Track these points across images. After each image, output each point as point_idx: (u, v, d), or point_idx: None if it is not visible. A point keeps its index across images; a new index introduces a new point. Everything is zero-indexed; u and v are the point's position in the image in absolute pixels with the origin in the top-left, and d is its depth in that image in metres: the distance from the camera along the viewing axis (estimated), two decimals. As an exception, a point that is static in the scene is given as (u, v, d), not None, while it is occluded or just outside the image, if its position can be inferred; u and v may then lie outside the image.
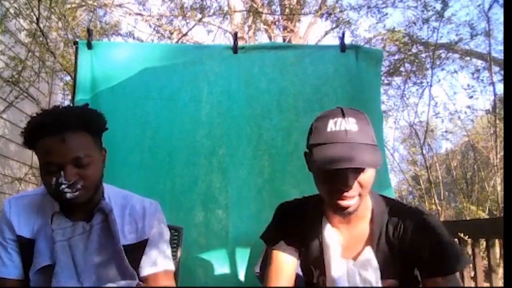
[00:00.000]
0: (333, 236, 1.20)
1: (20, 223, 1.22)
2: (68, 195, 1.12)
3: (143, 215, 1.27)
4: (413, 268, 1.18)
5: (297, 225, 1.27)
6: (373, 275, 1.14)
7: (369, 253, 1.16)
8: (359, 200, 1.12)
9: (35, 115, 1.20)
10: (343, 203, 1.10)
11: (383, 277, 1.15)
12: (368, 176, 1.10)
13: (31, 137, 1.15)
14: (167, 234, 1.33)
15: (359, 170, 1.08)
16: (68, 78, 5.23)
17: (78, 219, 1.21)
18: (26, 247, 1.21)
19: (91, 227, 1.21)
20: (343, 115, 1.10)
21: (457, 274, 1.16)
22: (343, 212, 1.12)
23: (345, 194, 1.09)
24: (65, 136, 1.12)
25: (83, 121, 1.17)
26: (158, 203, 1.33)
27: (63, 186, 1.11)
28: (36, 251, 1.19)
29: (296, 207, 1.31)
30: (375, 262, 1.15)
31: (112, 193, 1.29)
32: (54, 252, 1.16)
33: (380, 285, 1.14)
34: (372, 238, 1.18)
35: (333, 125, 1.09)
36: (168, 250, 1.32)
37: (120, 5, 6.34)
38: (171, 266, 1.31)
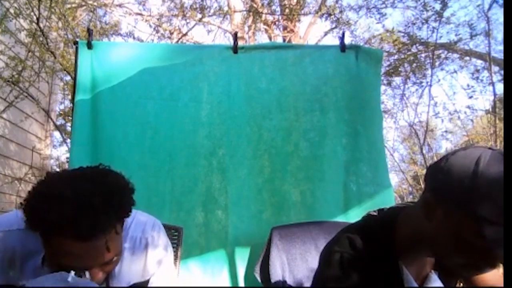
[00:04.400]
0: (412, 280, 1.04)
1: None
2: None
3: (145, 248, 1.15)
4: None
5: (369, 277, 1.00)
6: None
7: (435, 278, 1.09)
8: None
9: (50, 194, 0.90)
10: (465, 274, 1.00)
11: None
12: None
13: (43, 231, 0.92)
14: (170, 259, 1.22)
15: None
16: (68, 78, 5.24)
17: None
18: None
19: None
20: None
21: None
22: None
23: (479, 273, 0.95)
24: (95, 243, 0.91)
25: (116, 217, 0.96)
26: (160, 223, 1.22)
27: None
28: None
29: (360, 254, 1.02)
30: (441, 284, 1.09)
31: None
32: None
33: None
34: (433, 260, 1.10)
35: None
36: (172, 272, 1.23)
37: (120, 5, 6.33)
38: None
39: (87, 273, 0.94)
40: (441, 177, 0.91)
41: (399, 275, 1.01)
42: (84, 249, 0.90)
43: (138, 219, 1.18)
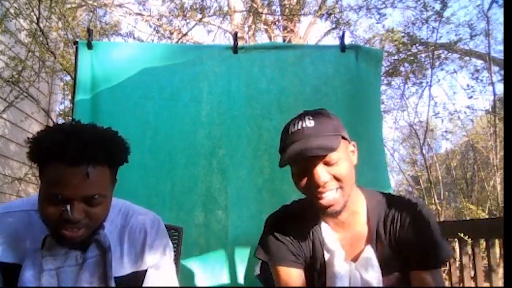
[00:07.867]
0: (333, 239, 1.18)
1: (4, 247, 1.08)
2: (67, 233, 1.00)
3: (143, 240, 1.16)
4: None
5: (297, 233, 1.21)
6: (374, 275, 1.13)
7: (369, 252, 1.15)
8: (342, 195, 1.11)
9: (51, 128, 1.04)
10: (323, 202, 1.10)
11: (385, 273, 1.14)
12: (342, 168, 1.10)
13: (43, 156, 0.99)
14: (169, 255, 1.22)
15: (328, 163, 1.10)
16: (68, 78, 5.24)
17: (72, 247, 1.08)
18: (9, 274, 1.07)
19: (84, 260, 1.08)
20: (301, 116, 1.16)
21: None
22: (328, 211, 1.11)
23: (320, 190, 1.09)
24: (88, 170, 0.97)
25: (110, 155, 1.02)
26: (160, 218, 1.23)
27: (66, 223, 0.99)
28: (21, 280, 1.05)
29: (290, 216, 1.25)
30: (375, 261, 1.14)
31: (112, 213, 1.14)
32: (40, 283, 1.04)
33: (381, 284, 1.13)
34: (370, 235, 1.16)
35: (292, 127, 1.15)
36: (171, 269, 1.22)
37: (120, 5, 6.34)
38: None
39: (68, 207, 0.97)
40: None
41: (320, 234, 1.20)
42: (70, 175, 0.96)
43: (139, 213, 1.20)
